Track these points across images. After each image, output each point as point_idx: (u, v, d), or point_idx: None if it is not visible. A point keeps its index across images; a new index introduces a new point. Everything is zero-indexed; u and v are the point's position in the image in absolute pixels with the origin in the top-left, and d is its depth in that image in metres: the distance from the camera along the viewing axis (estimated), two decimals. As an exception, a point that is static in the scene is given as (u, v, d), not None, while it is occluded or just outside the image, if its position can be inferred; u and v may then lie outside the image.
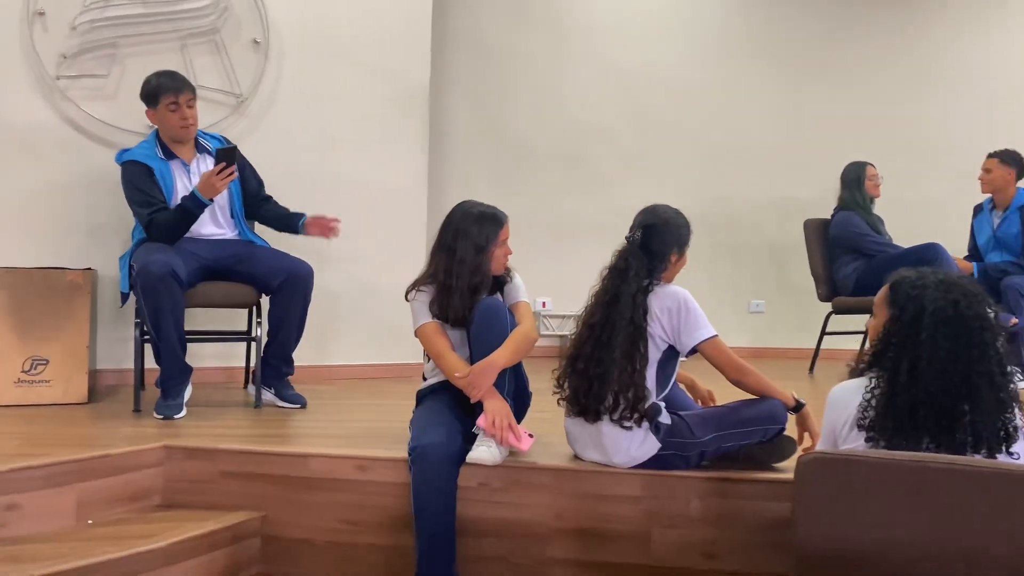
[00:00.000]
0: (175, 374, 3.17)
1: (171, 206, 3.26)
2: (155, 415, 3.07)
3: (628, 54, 5.65)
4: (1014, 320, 4.33)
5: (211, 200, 3.21)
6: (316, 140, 4.21)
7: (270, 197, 3.62)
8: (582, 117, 5.60)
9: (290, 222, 3.55)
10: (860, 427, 1.77)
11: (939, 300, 1.75)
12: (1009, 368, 4.58)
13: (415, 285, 2.68)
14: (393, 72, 4.45)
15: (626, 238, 2.50)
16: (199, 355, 3.87)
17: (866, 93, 5.84)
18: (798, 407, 2.43)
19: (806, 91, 5.83)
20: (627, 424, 2.32)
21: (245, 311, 3.64)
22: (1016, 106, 5.78)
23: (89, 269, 3.53)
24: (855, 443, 1.81)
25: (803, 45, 5.85)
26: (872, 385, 1.80)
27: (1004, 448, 1.68)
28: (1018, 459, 1.75)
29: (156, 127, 3.40)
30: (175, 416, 3.08)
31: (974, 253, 4.89)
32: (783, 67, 5.84)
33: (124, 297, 3.37)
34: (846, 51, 5.86)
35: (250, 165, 3.58)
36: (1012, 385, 1.76)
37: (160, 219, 3.21)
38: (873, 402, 1.77)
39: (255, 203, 3.57)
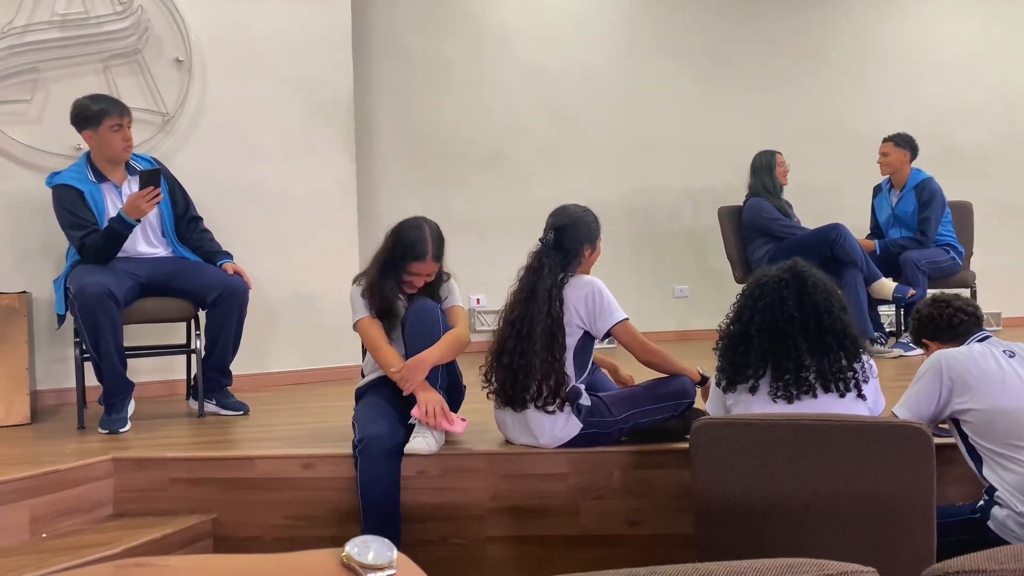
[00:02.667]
0: (118, 391, 3.25)
1: (102, 228, 3.32)
2: (100, 430, 3.15)
3: (543, 55, 5.85)
4: (911, 292, 4.68)
5: (137, 221, 3.26)
6: (244, 153, 4.29)
7: (200, 219, 3.66)
8: (502, 117, 5.78)
9: (211, 260, 3.56)
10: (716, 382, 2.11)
11: (773, 278, 2.10)
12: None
13: (359, 278, 2.87)
14: (316, 82, 4.56)
15: (540, 240, 2.70)
16: (139, 369, 3.93)
17: (770, 84, 6.15)
18: (703, 381, 2.67)
19: (713, 84, 6.11)
20: (550, 408, 2.52)
21: (183, 325, 3.72)
22: (910, 92, 6.16)
23: (24, 292, 3.58)
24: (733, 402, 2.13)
25: (708, 39, 6.13)
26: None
27: (855, 390, 2.01)
28: (867, 401, 2.05)
29: (88, 150, 3.45)
30: (120, 430, 3.16)
31: (876, 231, 5.24)
32: (690, 62, 6.11)
33: (60, 319, 3.43)
34: (749, 44, 6.17)
35: (180, 185, 3.63)
36: (855, 337, 2.13)
37: (90, 241, 3.27)
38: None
39: (183, 224, 3.59)
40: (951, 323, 2.45)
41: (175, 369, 4.04)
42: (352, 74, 4.74)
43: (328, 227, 4.55)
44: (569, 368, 2.56)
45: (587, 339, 2.62)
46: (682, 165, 6.04)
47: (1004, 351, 2.27)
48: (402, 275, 2.76)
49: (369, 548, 0.66)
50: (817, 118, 6.13)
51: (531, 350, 2.53)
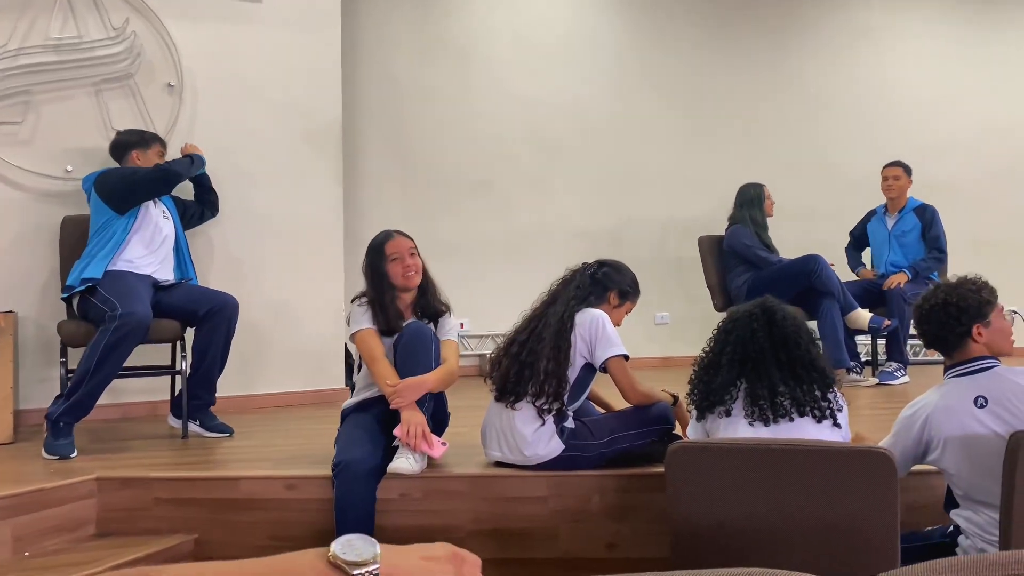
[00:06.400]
0: (80, 413, 3.18)
1: (137, 218, 3.53)
2: (47, 455, 3.04)
3: (530, 84, 5.96)
4: (887, 322, 4.77)
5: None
6: (233, 177, 4.32)
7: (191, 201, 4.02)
8: (489, 145, 5.87)
9: (200, 185, 4.02)
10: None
11: (744, 312, 2.23)
12: (892, 363, 5.03)
13: (359, 296, 2.93)
14: (305, 108, 4.62)
15: (583, 263, 2.84)
16: (125, 390, 3.96)
17: (751, 116, 6.29)
18: (675, 401, 2.75)
19: (696, 116, 6.25)
20: (546, 408, 2.58)
21: (168, 345, 3.75)
22: (886, 127, 6.32)
23: (10, 312, 3.60)
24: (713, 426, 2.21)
25: (691, 73, 6.28)
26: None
27: (830, 418, 2.07)
28: (841, 429, 2.11)
29: None
30: (71, 455, 3.05)
31: (855, 248, 5.40)
32: (674, 95, 6.25)
33: (69, 290, 3.41)
34: (731, 78, 6.31)
35: (178, 199, 3.87)
36: (824, 369, 2.20)
37: (158, 172, 3.59)
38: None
39: (190, 216, 3.96)
40: (946, 337, 2.26)
41: (159, 390, 4.06)
42: (341, 101, 4.82)
43: (316, 251, 4.60)
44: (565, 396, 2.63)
45: (587, 371, 2.69)
46: (665, 195, 6.15)
47: (978, 397, 2.15)
48: (389, 276, 2.85)
49: (353, 545, 0.71)
50: (797, 150, 6.27)
51: (539, 349, 2.62)
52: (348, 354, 4.74)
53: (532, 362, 2.62)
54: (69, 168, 3.93)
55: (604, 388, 2.95)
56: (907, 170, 5.16)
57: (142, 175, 3.56)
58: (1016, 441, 1.89)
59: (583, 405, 2.89)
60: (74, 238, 3.69)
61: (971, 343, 2.21)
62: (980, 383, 2.18)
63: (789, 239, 5.33)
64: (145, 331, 3.23)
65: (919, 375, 5.02)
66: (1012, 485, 1.89)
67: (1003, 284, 2.37)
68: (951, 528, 2.25)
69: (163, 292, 3.52)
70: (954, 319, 2.19)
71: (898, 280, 4.94)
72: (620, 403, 2.86)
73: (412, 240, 2.93)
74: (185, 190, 4.02)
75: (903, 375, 4.82)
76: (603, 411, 3.00)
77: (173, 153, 3.99)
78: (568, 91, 6.04)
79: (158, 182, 3.57)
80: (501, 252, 5.79)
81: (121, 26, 4.08)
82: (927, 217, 5.08)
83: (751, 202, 5.17)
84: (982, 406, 2.14)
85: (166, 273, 3.61)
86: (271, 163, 4.48)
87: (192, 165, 3.78)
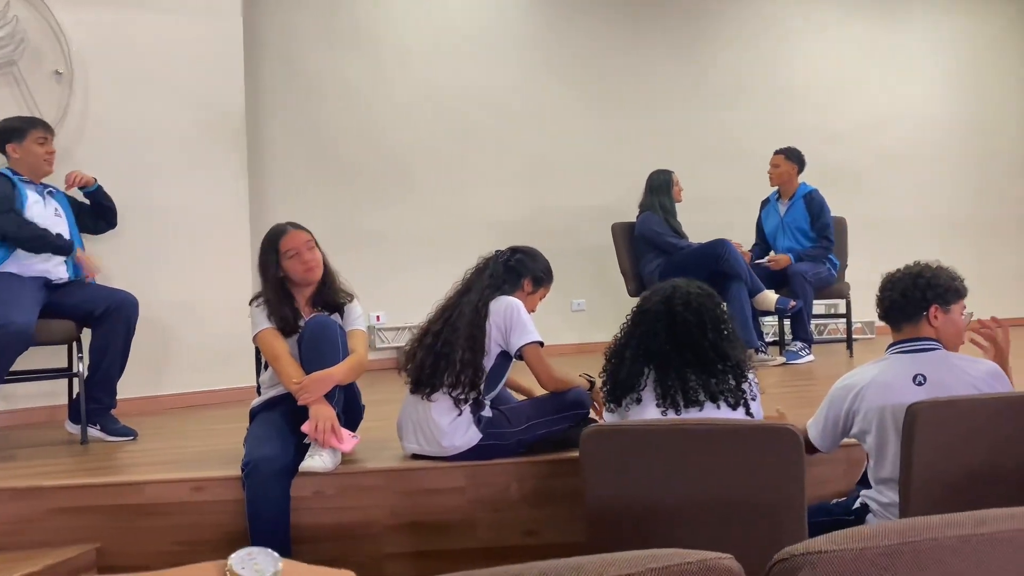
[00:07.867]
0: None
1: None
2: None
3: (441, 73, 5.90)
4: (792, 303, 4.92)
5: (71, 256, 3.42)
6: (130, 170, 4.13)
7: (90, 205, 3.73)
8: (402, 135, 5.79)
9: (96, 202, 3.69)
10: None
11: (650, 309, 2.21)
12: (797, 343, 5.16)
13: (256, 296, 2.83)
14: (206, 98, 4.44)
15: (496, 250, 2.82)
16: (16, 395, 3.75)
17: (657, 105, 6.38)
18: (592, 386, 2.76)
19: (604, 105, 6.29)
20: (461, 398, 2.56)
21: (64, 347, 3.57)
22: (789, 115, 6.51)
23: None
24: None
25: (604, 61, 6.32)
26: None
27: (743, 407, 2.08)
28: (755, 418, 2.14)
29: (8, 166, 3.46)
30: None
31: (762, 244, 5.48)
32: (587, 82, 6.28)
33: None
34: (644, 67, 6.39)
35: (73, 200, 3.66)
36: (739, 358, 2.18)
37: (16, 223, 3.28)
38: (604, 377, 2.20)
39: (87, 220, 3.69)
40: (904, 307, 2.25)
41: (56, 394, 3.85)
42: (244, 89, 4.66)
43: (221, 246, 4.44)
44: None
45: (503, 359, 2.67)
46: (578, 183, 6.19)
47: (917, 375, 2.16)
48: (287, 272, 2.77)
49: (254, 560, 0.67)
50: (708, 137, 6.39)
51: (454, 339, 2.59)
52: (258, 351, 4.60)
53: (447, 352, 2.59)
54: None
55: (523, 375, 2.95)
56: (791, 156, 5.25)
57: (14, 232, 3.28)
58: (912, 413, 1.96)
59: (500, 393, 2.88)
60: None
61: (924, 323, 2.21)
62: (921, 362, 2.18)
63: (701, 224, 5.44)
64: (26, 341, 3.06)
65: (823, 354, 5.21)
66: (910, 456, 1.96)
67: (896, 261, 2.43)
68: (857, 505, 2.29)
69: (56, 291, 3.34)
70: (919, 290, 2.20)
71: (782, 262, 5.09)
72: (539, 389, 2.86)
73: (309, 232, 2.84)
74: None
75: (808, 354, 4.99)
76: (522, 398, 3.00)
77: (62, 139, 3.79)
78: (479, 80, 6.00)
79: (27, 242, 3.32)
80: (415, 243, 5.72)
81: (1, 10, 3.84)
82: (815, 207, 5.22)
83: (660, 188, 5.26)
84: (920, 384, 2.14)
85: (59, 272, 3.43)
86: (171, 155, 4.30)
87: (66, 247, 3.42)
